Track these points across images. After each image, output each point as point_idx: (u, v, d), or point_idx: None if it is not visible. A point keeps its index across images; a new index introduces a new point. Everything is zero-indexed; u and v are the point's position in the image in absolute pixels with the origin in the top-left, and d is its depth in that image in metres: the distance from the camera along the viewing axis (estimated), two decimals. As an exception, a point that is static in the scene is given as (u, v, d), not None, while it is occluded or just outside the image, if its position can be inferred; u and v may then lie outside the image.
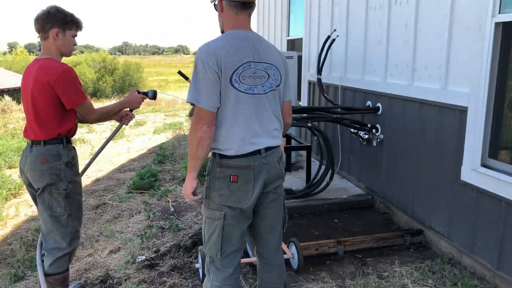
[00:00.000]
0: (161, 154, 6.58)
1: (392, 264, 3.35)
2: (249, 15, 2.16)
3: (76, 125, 2.75)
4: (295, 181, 5.07)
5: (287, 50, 7.30)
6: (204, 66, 2.00)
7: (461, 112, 3.18)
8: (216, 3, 2.18)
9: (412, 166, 3.84)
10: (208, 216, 2.21)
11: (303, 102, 6.50)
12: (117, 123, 3.02)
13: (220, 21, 2.20)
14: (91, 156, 7.40)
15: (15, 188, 5.61)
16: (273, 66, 2.16)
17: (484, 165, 3.04)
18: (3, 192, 5.47)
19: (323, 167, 4.58)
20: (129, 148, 7.89)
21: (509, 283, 2.85)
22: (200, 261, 3.14)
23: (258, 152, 2.13)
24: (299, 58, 6.28)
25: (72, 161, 2.71)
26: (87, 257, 3.66)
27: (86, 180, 5.94)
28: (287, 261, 3.40)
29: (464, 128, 3.15)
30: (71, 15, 2.60)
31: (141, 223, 4.27)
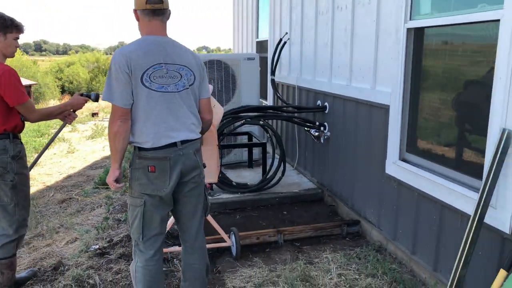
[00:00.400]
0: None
1: (324, 252, 3.61)
2: (163, 21, 2.42)
3: (23, 122, 2.98)
4: (254, 176, 5.32)
5: (256, 51, 7.56)
6: (116, 68, 2.26)
7: (385, 110, 3.45)
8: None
9: (351, 161, 4.10)
10: (131, 204, 2.47)
11: (269, 101, 6.76)
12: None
13: (139, 28, 2.46)
14: (68, 154, 7.64)
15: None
16: (185, 67, 2.42)
17: (403, 159, 3.30)
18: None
19: (276, 162, 4.84)
20: (104, 146, 8.14)
21: (421, 266, 3.11)
22: (143, 248, 3.38)
23: (174, 144, 2.39)
24: (263, 59, 6.54)
25: (19, 155, 2.94)
26: (44, 247, 3.90)
27: (58, 176, 6.18)
28: (228, 249, 3.66)
29: (387, 125, 3.42)
30: (11, 19, 2.85)
31: (101, 216, 4.52)
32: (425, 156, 3.11)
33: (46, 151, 6.22)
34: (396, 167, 3.33)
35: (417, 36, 3.08)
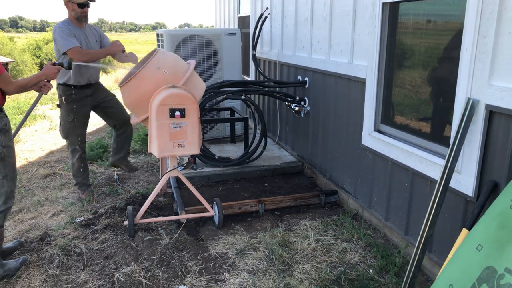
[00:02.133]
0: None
1: (303, 219, 3.77)
2: None
3: (3, 95, 3.01)
4: (237, 150, 5.43)
5: (238, 27, 7.57)
6: None
7: (362, 83, 3.57)
8: None
9: (330, 134, 4.24)
10: None
11: (251, 77, 6.83)
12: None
13: None
14: (50, 131, 7.61)
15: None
16: None
17: (377, 130, 3.45)
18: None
19: (258, 137, 4.95)
20: (87, 123, 8.12)
21: (394, 231, 3.30)
22: (128, 218, 3.49)
23: None
24: (246, 35, 6.57)
25: (5, 128, 2.97)
26: (30, 220, 3.96)
27: (40, 152, 6.18)
28: (211, 218, 3.79)
29: (364, 98, 3.54)
30: None
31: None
32: (398, 127, 3.25)
33: (27, 127, 6.17)
34: (371, 138, 3.47)
35: (392, 11, 3.18)
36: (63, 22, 3.95)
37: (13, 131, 3.17)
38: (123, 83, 3.38)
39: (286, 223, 3.74)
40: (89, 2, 3.91)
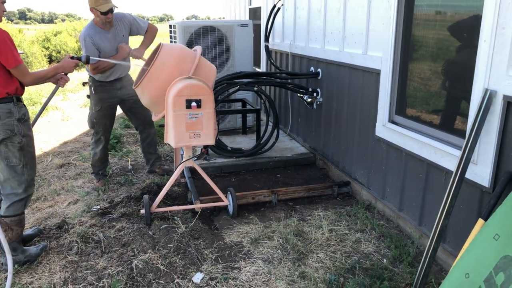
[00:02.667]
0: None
1: (316, 210, 3.81)
2: None
3: (22, 86, 3.06)
4: (248, 142, 5.47)
5: (249, 18, 7.57)
6: None
7: (377, 74, 3.58)
8: None
9: (343, 125, 4.26)
10: None
11: (262, 68, 6.84)
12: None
13: None
14: (63, 122, 7.70)
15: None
16: None
17: (392, 121, 3.46)
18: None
19: (270, 128, 4.98)
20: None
21: (407, 222, 3.32)
22: (144, 207, 3.55)
23: None
24: (257, 26, 6.57)
25: (24, 117, 3.03)
26: (47, 208, 4.04)
27: (54, 143, 6.26)
28: (225, 208, 3.84)
29: (378, 89, 3.56)
30: None
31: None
32: (413, 118, 3.27)
33: (41, 118, 6.25)
34: (385, 129, 3.49)
35: (408, 1, 3.18)
36: (88, 26, 4.09)
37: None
38: (136, 84, 3.43)
39: (300, 213, 3.78)
40: (112, 8, 3.97)
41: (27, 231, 3.43)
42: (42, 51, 33.30)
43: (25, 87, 3.13)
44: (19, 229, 3.08)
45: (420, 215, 3.17)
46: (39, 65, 28.92)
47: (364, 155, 3.90)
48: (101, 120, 4.33)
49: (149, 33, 4.34)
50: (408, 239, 3.28)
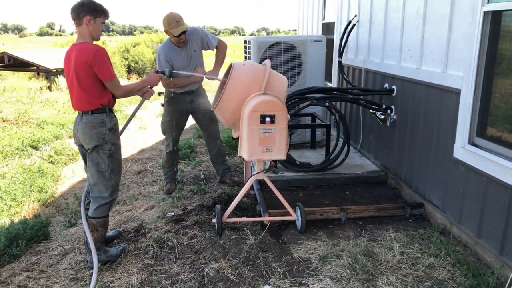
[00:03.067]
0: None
1: (387, 231, 3.72)
2: None
3: (114, 98, 3.32)
4: (317, 156, 5.46)
5: (322, 33, 7.59)
6: None
7: (456, 94, 3.45)
8: None
9: (417, 144, 4.13)
10: None
11: (333, 83, 6.82)
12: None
13: None
14: (140, 130, 8.18)
15: (73, 154, 6.46)
16: None
17: (472, 143, 3.31)
18: (63, 158, 6.32)
19: (340, 144, 4.95)
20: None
21: (487, 250, 3.15)
22: (216, 217, 3.68)
23: None
24: (329, 41, 6.57)
25: (114, 127, 3.29)
26: (126, 212, 4.32)
27: (132, 150, 6.68)
28: (293, 223, 3.87)
29: (458, 109, 3.42)
30: (100, 5, 3.16)
31: (175, 187, 4.89)
32: (496, 141, 3.10)
33: (120, 126, 6.74)
34: (464, 151, 3.34)
35: (494, 19, 3.05)
36: (164, 43, 4.44)
37: None
38: (213, 107, 3.60)
39: (369, 233, 3.71)
40: (185, 30, 4.23)
41: (109, 232, 3.69)
42: (122, 61, 35.55)
43: (116, 99, 3.40)
44: (103, 230, 3.33)
45: (501, 243, 2.98)
46: (119, 74, 30.84)
47: (440, 176, 3.75)
48: (170, 130, 4.66)
49: (220, 51, 4.56)
50: (488, 268, 3.10)
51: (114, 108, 3.37)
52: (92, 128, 3.17)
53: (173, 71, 3.99)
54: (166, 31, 4.26)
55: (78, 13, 3.10)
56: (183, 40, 4.30)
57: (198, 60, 4.51)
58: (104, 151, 3.20)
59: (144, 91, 3.55)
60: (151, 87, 3.59)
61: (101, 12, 3.17)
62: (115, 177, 3.31)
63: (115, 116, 3.34)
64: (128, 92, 3.40)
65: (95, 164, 3.24)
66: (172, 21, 4.17)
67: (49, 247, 3.70)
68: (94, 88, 3.13)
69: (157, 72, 3.65)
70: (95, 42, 3.21)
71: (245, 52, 5.88)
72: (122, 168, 5.64)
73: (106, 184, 3.25)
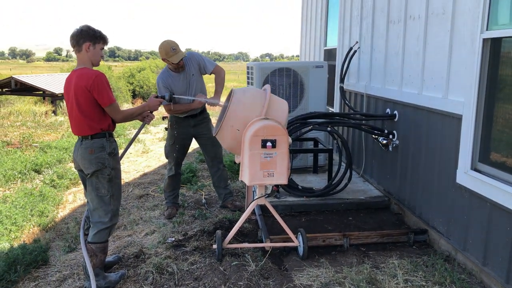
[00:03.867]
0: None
1: (390, 258, 3.66)
2: None
3: (114, 122, 3.33)
4: (319, 181, 5.44)
5: (324, 59, 7.68)
6: None
7: (458, 119, 3.45)
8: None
9: (420, 170, 4.11)
10: None
11: (335, 108, 6.85)
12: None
13: None
14: (143, 154, 8.19)
15: (75, 178, 6.46)
16: None
17: (474, 168, 3.29)
18: (65, 182, 6.32)
19: (342, 169, 4.93)
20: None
21: (492, 278, 3.08)
22: (217, 242, 3.63)
23: None
24: (331, 67, 6.64)
25: (114, 152, 3.29)
26: (126, 237, 4.28)
27: (135, 174, 6.67)
28: (295, 249, 3.82)
29: (460, 134, 3.42)
30: (99, 32, 3.20)
31: (177, 211, 4.85)
32: (499, 167, 3.08)
33: (122, 149, 6.73)
34: (467, 177, 3.32)
35: (493, 46, 3.08)
36: (163, 71, 4.54)
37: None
38: (215, 133, 3.62)
39: (373, 260, 3.65)
40: (182, 58, 4.33)
41: (108, 258, 3.65)
42: (127, 86, 35.91)
43: (117, 124, 3.41)
44: (102, 255, 3.29)
45: (507, 271, 2.92)
46: (123, 99, 31.22)
47: (443, 202, 3.71)
48: (173, 153, 4.69)
49: (219, 77, 4.62)
50: (493, 297, 3.03)
51: (118, 131, 3.38)
52: (92, 153, 3.17)
53: (174, 95, 4.04)
54: (164, 59, 4.33)
55: (78, 40, 3.13)
56: (181, 65, 4.38)
57: (197, 84, 4.56)
58: (104, 176, 3.19)
59: (144, 116, 3.57)
60: (151, 112, 3.61)
61: (100, 38, 3.20)
62: (115, 202, 3.29)
63: (115, 140, 3.35)
64: (128, 116, 3.41)
65: (94, 189, 3.23)
66: (169, 49, 4.24)
67: (47, 273, 3.66)
68: (94, 113, 3.15)
69: (157, 97, 3.69)
70: (95, 68, 3.25)
71: (248, 78, 5.94)
72: (123, 193, 5.64)
73: (106, 209, 3.24)
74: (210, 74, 4.62)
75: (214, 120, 5.31)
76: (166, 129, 4.80)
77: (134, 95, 34.51)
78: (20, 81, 18.83)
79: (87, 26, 3.19)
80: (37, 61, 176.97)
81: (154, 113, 3.72)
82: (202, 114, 4.71)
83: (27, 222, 4.78)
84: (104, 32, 3.25)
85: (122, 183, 6.17)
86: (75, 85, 3.10)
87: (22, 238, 4.46)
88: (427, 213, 4.01)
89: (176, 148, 4.66)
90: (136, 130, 4.07)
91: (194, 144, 4.93)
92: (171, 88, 4.40)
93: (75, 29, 3.17)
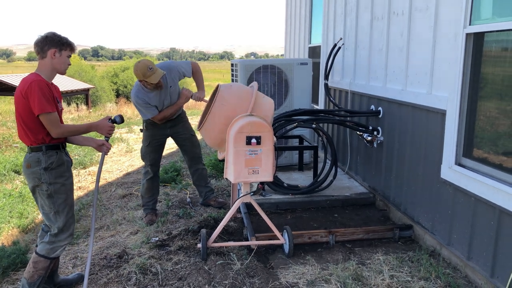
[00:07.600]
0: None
1: (376, 254, 3.65)
2: None
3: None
4: (305, 179, 5.41)
5: (309, 57, 7.66)
6: None
7: (442, 115, 3.45)
8: None
9: (405, 166, 4.11)
10: None
11: (320, 106, 6.84)
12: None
13: None
14: (126, 153, 8.06)
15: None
16: None
17: (459, 163, 3.30)
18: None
19: (327, 166, 4.91)
20: (160, 147, 8.54)
21: (477, 272, 3.09)
22: (201, 241, 3.58)
23: None
24: (315, 64, 6.63)
25: (51, 166, 2.97)
26: (109, 237, 4.20)
27: (118, 173, 6.57)
28: (281, 247, 3.78)
29: (444, 130, 3.42)
30: (66, 38, 3.02)
31: (160, 211, 4.78)
32: (482, 161, 3.09)
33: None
34: (452, 172, 3.33)
35: (476, 41, 3.08)
36: (137, 90, 4.23)
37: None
38: (199, 127, 3.56)
39: (358, 256, 3.63)
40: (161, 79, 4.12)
41: (68, 275, 3.46)
42: (111, 85, 35.43)
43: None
44: (40, 271, 3.05)
45: (492, 266, 2.93)
46: (107, 98, 30.83)
47: (428, 198, 3.72)
48: (149, 154, 4.56)
49: (197, 73, 4.55)
50: (478, 291, 3.04)
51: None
52: (28, 168, 2.97)
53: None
54: (141, 81, 4.09)
55: (42, 46, 2.94)
56: (159, 84, 4.15)
57: (174, 92, 4.39)
58: (43, 192, 2.99)
59: (99, 144, 3.24)
60: (106, 139, 3.26)
61: (67, 45, 3.01)
62: (62, 218, 3.04)
63: (56, 153, 3.02)
64: (70, 132, 3.08)
65: (40, 206, 3.06)
66: (146, 70, 3.98)
67: (27, 275, 3.54)
68: (30, 121, 2.91)
69: (109, 119, 3.25)
70: (67, 76, 3.05)
71: (232, 75, 5.89)
72: (106, 192, 5.54)
73: (53, 226, 3.05)
74: (190, 76, 4.54)
75: (196, 119, 5.23)
76: (141, 130, 4.64)
77: (118, 95, 34.07)
78: (0, 81, 18.44)
79: (52, 33, 3.00)
80: (18, 60, 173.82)
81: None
82: (180, 114, 4.63)
83: (6, 224, 4.65)
84: (70, 39, 3.05)
85: (105, 182, 6.07)
86: (16, 90, 2.93)
87: (1, 240, 4.34)
88: (412, 209, 4.02)
89: (152, 149, 4.54)
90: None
91: (174, 144, 4.83)
92: (152, 103, 4.22)
93: (39, 36, 2.98)
